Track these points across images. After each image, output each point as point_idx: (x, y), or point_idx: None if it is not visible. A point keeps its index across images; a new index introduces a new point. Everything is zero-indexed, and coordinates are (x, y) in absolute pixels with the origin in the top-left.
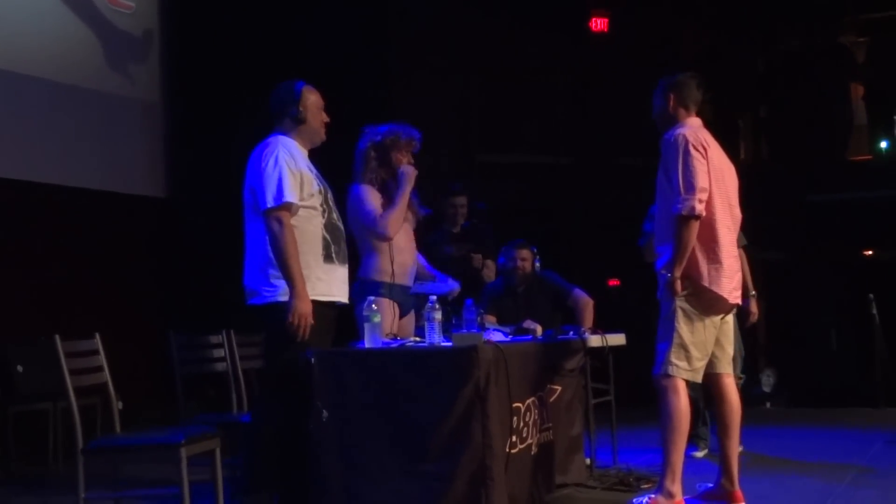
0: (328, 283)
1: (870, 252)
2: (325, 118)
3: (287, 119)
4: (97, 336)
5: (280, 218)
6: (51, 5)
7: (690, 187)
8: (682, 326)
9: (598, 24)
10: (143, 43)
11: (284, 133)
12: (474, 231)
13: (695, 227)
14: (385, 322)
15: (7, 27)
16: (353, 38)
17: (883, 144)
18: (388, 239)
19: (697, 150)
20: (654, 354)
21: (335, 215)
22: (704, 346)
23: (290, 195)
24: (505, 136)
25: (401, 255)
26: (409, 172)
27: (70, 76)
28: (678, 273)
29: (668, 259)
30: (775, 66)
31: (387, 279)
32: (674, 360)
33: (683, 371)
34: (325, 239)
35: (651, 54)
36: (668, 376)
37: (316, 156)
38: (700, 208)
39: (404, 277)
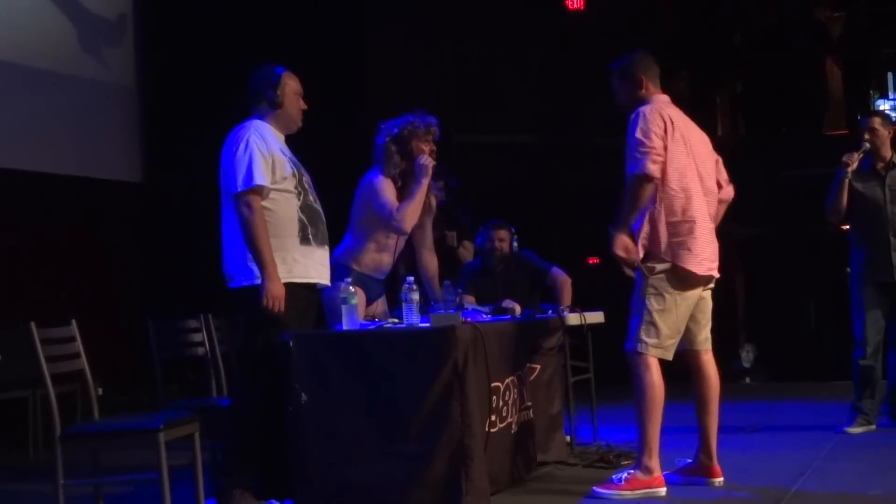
0: (305, 264)
1: (847, 227)
2: (304, 105)
3: (264, 102)
4: (73, 322)
5: (249, 202)
6: None
7: (643, 147)
8: (653, 303)
9: (574, 2)
10: (117, 27)
11: (261, 117)
12: (448, 210)
13: (648, 188)
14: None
15: None
16: (328, 20)
17: (859, 118)
18: (403, 233)
19: (655, 120)
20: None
21: (311, 197)
22: (676, 325)
23: (260, 178)
24: (482, 115)
25: (381, 253)
26: (426, 164)
27: (43, 61)
28: (621, 231)
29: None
30: (751, 42)
31: (356, 267)
32: (643, 336)
33: (653, 348)
34: (300, 221)
35: (627, 31)
36: (639, 353)
37: (292, 139)
38: (653, 169)
39: (376, 273)
